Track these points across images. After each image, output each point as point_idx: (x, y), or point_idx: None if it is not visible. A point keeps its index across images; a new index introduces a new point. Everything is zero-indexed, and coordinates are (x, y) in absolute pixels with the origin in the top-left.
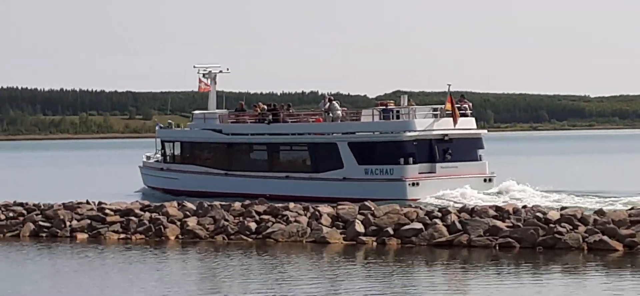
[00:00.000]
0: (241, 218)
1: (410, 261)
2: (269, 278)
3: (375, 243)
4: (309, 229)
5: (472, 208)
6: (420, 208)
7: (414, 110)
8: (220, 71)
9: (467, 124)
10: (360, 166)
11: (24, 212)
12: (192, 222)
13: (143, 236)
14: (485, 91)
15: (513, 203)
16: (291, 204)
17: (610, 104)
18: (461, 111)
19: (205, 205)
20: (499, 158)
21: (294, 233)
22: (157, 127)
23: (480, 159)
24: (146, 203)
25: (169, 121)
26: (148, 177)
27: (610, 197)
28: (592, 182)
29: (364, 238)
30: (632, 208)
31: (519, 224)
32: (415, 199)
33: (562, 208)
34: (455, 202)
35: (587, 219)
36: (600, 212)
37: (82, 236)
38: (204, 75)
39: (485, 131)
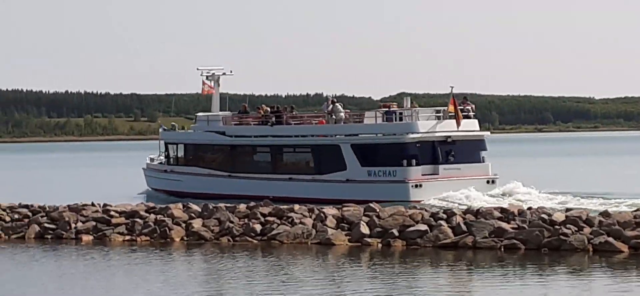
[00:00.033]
0: (246, 220)
1: (415, 263)
2: (274, 279)
3: (380, 245)
4: (314, 231)
5: (477, 210)
6: (425, 210)
7: (416, 112)
8: (224, 73)
9: (470, 126)
10: (363, 168)
11: (29, 214)
12: (197, 224)
13: (148, 238)
14: (490, 92)
15: (518, 205)
16: (296, 206)
17: (615, 105)
18: (464, 113)
19: (211, 207)
20: (504, 160)
21: (299, 234)
22: (160, 130)
23: (483, 161)
24: (151, 204)
25: (173, 123)
26: (151, 179)
27: (615, 199)
28: (597, 184)
29: (369, 240)
30: (637, 210)
31: (524, 225)
32: (418, 201)
33: (568, 210)
34: (459, 204)
35: (592, 220)
36: (605, 213)
37: (87, 238)
38: (207, 77)
39: (488, 132)
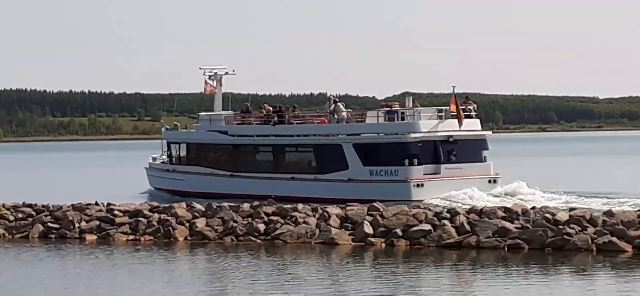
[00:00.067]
0: (250, 219)
1: (419, 263)
2: (278, 279)
3: (384, 244)
4: (317, 231)
5: (481, 209)
6: (429, 209)
7: (418, 111)
8: (226, 73)
9: (472, 126)
10: (365, 167)
11: (33, 213)
12: (201, 223)
13: (152, 238)
14: (493, 92)
15: (522, 204)
16: (300, 206)
17: (619, 105)
18: (466, 113)
19: (214, 206)
20: (508, 160)
21: (303, 234)
22: (163, 129)
23: (485, 161)
24: (155, 204)
25: (175, 122)
26: (154, 178)
27: (618, 198)
28: (601, 183)
29: (372, 239)
30: None
31: (528, 225)
32: (420, 201)
33: (571, 209)
34: (461, 203)
35: (596, 220)
36: (609, 213)
37: (91, 237)
38: (209, 76)
39: (490, 132)
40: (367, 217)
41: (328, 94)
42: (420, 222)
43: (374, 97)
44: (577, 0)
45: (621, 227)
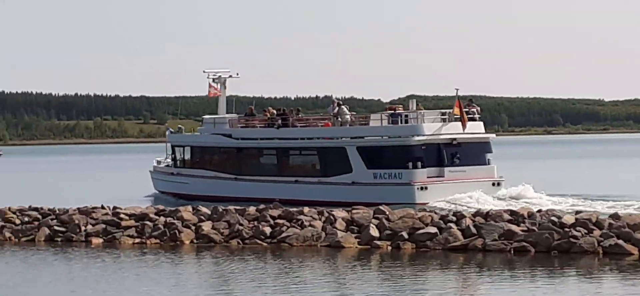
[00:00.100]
0: (256, 223)
1: (425, 266)
2: (284, 282)
3: (390, 247)
4: (323, 234)
5: (487, 212)
6: (435, 212)
7: (422, 114)
8: (230, 76)
9: (476, 128)
10: (369, 170)
11: (39, 217)
12: (206, 226)
13: (158, 241)
14: (499, 94)
15: (528, 207)
16: (306, 209)
17: (625, 107)
18: (469, 115)
19: (220, 210)
20: (513, 162)
21: (309, 237)
22: (167, 132)
23: (489, 163)
24: (161, 207)
25: (179, 125)
26: (158, 182)
27: (624, 201)
28: (607, 186)
29: (378, 242)
30: None
31: (534, 228)
32: (424, 204)
33: (577, 212)
34: (465, 206)
35: (602, 223)
36: (615, 216)
37: (97, 240)
38: (213, 80)
39: (494, 135)
40: (373, 220)
41: (333, 97)
42: (427, 225)
43: (379, 100)
44: (584, 3)
45: (627, 230)
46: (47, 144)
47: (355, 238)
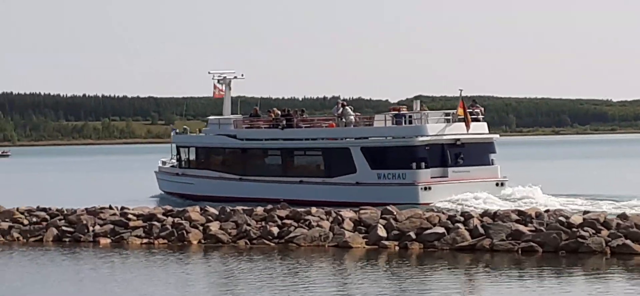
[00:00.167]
0: (263, 223)
1: (432, 266)
2: (292, 282)
3: (397, 248)
4: (331, 234)
5: (495, 213)
6: (443, 213)
7: (426, 115)
8: (235, 77)
9: (479, 129)
10: (373, 171)
11: (47, 217)
12: (214, 227)
13: (166, 241)
14: (507, 95)
15: (535, 207)
16: (313, 209)
17: (633, 108)
18: (473, 116)
19: (228, 210)
20: (521, 163)
21: (317, 237)
22: (172, 133)
23: (493, 164)
24: (169, 208)
25: (185, 126)
26: (164, 182)
27: (632, 201)
28: (615, 186)
29: (386, 243)
30: None
31: (542, 228)
32: (428, 204)
33: (585, 212)
34: (469, 206)
35: (610, 223)
36: (623, 216)
37: (105, 241)
38: (218, 81)
39: (497, 135)
40: (381, 220)
41: (341, 97)
42: (434, 225)
43: (386, 100)
44: (592, 3)
45: (635, 230)
46: (55, 145)
47: (363, 238)
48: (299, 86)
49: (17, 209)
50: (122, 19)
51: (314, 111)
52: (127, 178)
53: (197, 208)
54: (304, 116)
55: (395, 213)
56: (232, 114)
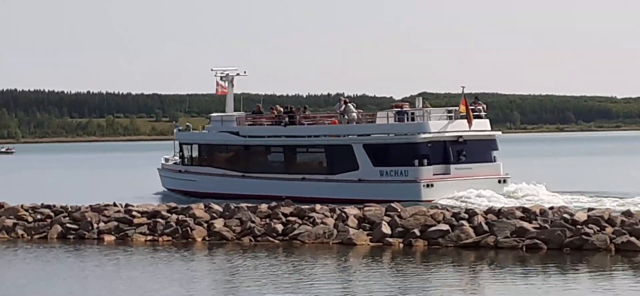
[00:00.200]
0: (268, 220)
1: (437, 263)
2: (296, 279)
3: (401, 245)
4: (335, 231)
5: (499, 210)
6: (447, 210)
7: (428, 112)
8: (237, 74)
9: (482, 126)
10: (376, 168)
11: (52, 214)
12: (218, 224)
13: (170, 238)
14: (511, 92)
15: (540, 204)
16: (318, 206)
17: (637, 104)
18: (475, 113)
19: (232, 207)
20: (525, 160)
21: (321, 234)
22: (175, 130)
23: (495, 161)
24: (173, 205)
25: (187, 123)
26: (166, 179)
27: (637, 198)
28: (619, 183)
29: (390, 240)
30: None
31: (546, 225)
32: (430, 201)
33: (590, 209)
34: (471, 203)
35: (614, 220)
36: (627, 213)
37: (109, 238)
38: (221, 78)
39: (500, 132)
40: (385, 217)
41: (345, 94)
42: (438, 222)
43: (391, 97)
44: (598, 1)
45: None
46: (59, 142)
47: (367, 235)
48: (296, 84)
49: (22, 206)
50: (122, 19)
51: (318, 108)
52: (131, 175)
53: (202, 205)
54: (307, 113)
55: (399, 210)
56: (235, 111)
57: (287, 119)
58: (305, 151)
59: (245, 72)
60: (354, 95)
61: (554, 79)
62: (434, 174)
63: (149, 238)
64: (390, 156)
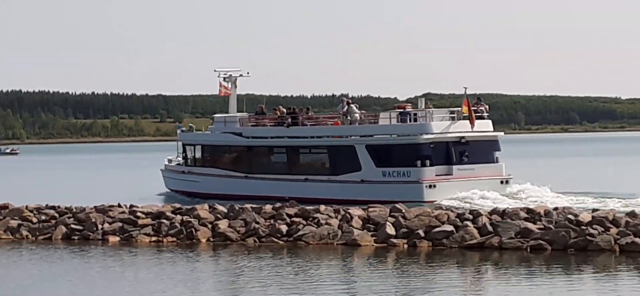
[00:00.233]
0: (272, 221)
1: (441, 264)
2: (300, 280)
3: (406, 246)
4: (340, 232)
5: (503, 210)
6: (451, 210)
7: (431, 113)
8: (241, 75)
9: (484, 127)
10: (378, 169)
11: (56, 215)
12: (223, 225)
13: (174, 239)
14: (515, 93)
15: (544, 205)
16: (322, 207)
17: None
18: (477, 114)
19: (237, 208)
20: (529, 160)
21: (325, 235)
22: (178, 131)
23: (497, 161)
24: (177, 205)
25: (190, 124)
26: (170, 180)
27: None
28: (624, 184)
29: (395, 241)
30: None
31: (551, 226)
32: (432, 202)
33: (594, 210)
34: (473, 204)
35: (619, 221)
36: (632, 214)
37: (113, 239)
38: (224, 79)
39: (502, 133)
40: (389, 218)
41: (349, 95)
42: (443, 223)
43: (395, 98)
44: (600, 1)
45: None
46: (64, 142)
47: (372, 236)
48: (299, 85)
49: (26, 207)
50: (122, 19)
51: (322, 109)
52: (135, 176)
53: (206, 206)
54: (310, 113)
55: (404, 211)
56: (239, 112)
57: (289, 120)
58: (308, 152)
59: (248, 73)
60: (358, 96)
61: (558, 80)
62: (436, 175)
63: (154, 239)
64: (393, 157)
